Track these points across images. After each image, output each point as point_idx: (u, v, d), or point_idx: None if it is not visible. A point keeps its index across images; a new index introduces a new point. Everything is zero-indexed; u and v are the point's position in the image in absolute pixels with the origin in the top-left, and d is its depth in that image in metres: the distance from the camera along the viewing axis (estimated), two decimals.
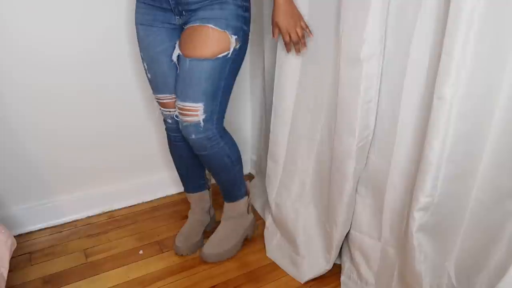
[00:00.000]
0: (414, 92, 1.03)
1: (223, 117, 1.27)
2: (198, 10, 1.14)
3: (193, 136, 1.22)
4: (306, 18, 1.24)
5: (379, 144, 1.17)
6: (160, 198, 1.80)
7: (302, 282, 1.35)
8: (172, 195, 1.83)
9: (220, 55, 1.14)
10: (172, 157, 1.45)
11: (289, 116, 1.40)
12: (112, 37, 1.48)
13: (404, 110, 1.06)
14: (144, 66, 1.29)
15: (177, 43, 1.21)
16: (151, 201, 1.78)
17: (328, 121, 1.28)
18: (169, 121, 1.34)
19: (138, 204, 1.76)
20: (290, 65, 1.33)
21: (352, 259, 1.33)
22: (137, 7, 1.23)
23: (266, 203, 1.62)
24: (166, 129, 1.38)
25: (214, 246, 1.43)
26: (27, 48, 1.36)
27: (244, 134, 1.93)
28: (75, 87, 1.48)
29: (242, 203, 1.46)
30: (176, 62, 1.22)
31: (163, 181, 1.80)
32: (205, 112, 1.19)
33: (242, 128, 1.93)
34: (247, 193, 1.48)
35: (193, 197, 1.51)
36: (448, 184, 0.99)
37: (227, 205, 1.47)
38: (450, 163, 0.96)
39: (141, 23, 1.23)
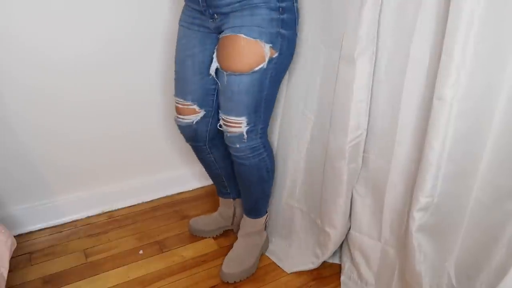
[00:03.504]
0: (414, 92, 1.03)
1: (267, 126, 1.26)
2: (229, 15, 1.08)
3: (237, 145, 1.21)
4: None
5: (379, 144, 1.17)
6: (160, 198, 1.80)
7: (289, 273, 1.39)
8: (172, 195, 1.83)
9: (257, 68, 1.09)
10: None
11: (280, 116, 1.42)
12: (114, 38, 1.48)
13: (404, 109, 1.06)
14: (175, 67, 1.27)
15: (215, 54, 1.16)
16: (151, 201, 1.78)
17: (320, 121, 1.29)
18: (180, 126, 1.31)
19: (138, 204, 1.76)
20: None
21: (352, 259, 1.33)
22: (184, 7, 1.23)
23: None
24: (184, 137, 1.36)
25: (234, 265, 1.35)
26: (28, 48, 1.35)
27: None
28: (76, 88, 1.48)
29: (263, 219, 1.42)
30: (214, 75, 1.19)
31: (163, 181, 1.80)
32: (248, 124, 1.18)
33: None
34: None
35: (220, 199, 1.53)
36: (448, 184, 0.99)
37: (248, 221, 1.41)
38: (450, 163, 0.97)
39: (181, 24, 1.22)
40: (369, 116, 1.17)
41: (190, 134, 1.32)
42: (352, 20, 1.06)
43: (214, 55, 1.16)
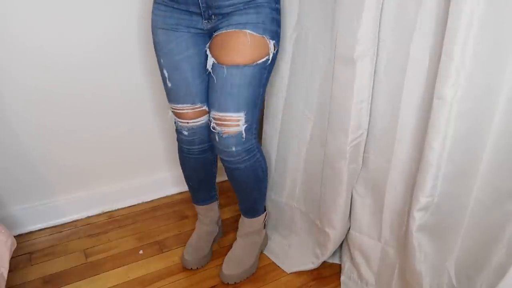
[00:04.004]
0: (414, 92, 1.03)
1: (257, 126, 1.23)
2: (231, 15, 1.09)
3: (233, 149, 1.15)
4: (295, 18, 1.25)
5: (379, 144, 1.17)
6: (160, 198, 1.80)
7: (289, 273, 1.39)
8: (172, 195, 1.83)
9: (260, 61, 1.10)
10: (184, 169, 1.37)
11: (280, 115, 1.42)
12: (116, 38, 1.48)
13: (404, 109, 1.06)
14: (163, 74, 1.19)
15: (208, 51, 1.14)
16: (151, 201, 1.78)
17: (320, 121, 1.29)
18: (185, 133, 1.25)
19: (138, 204, 1.76)
20: (280, 64, 1.34)
21: (352, 259, 1.33)
22: (155, 9, 1.14)
23: None
24: (179, 141, 1.30)
25: (234, 266, 1.34)
26: (29, 47, 1.35)
27: None
28: (76, 88, 1.48)
29: (261, 218, 1.41)
30: (211, 71, 1.14)
31: (163, 181, 1.80)
32: (246, 122, 1.14)
33: None
34: (265, 207, 1.44)
35: (202, 209, 1.45)
36: (448, 184, 0.99)
37: (246, 221, 1.40)
38: (450, 163, 0.97)
39: (162, 27, 1.14)
40: (369, 116, 1.17)
41: (202, 136, 1.26)
42: (350, 20, 1.06)
43: (208, 52, 1.14)
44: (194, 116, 1.22)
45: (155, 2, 1.15)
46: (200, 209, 1.45)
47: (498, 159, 0.94)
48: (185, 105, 1.21)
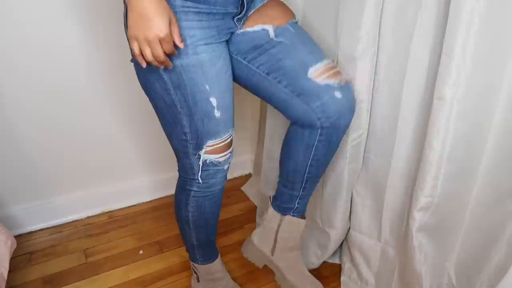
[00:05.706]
0: (414, 92, 1.03)
1: None
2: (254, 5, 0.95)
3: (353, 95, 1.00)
4: (299, 16, 1.24)
5: (379, 144, 1.17)
6: (160, 198, 1.80)
7: None
8: (172, 195, 1.82)
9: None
10: (203, 221, 1.13)
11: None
12: (117, 38, 1.47)
13: (404, 109, 1.06)
14: (207, 106, 0.90)
15: (259, 26, 0.95)
16: (151, 201, 1.78)
17: None
18: (226, 167, 1.02)
19: (138, 204, 1.76)
20: None
21: (352, 259, 1.33)
22: (185, 20, 0.83)
23: (263, 200, 1.62)
24: (212, 186, 1.04)
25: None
26: (32, 45, 1.35)
27: (244, 134, 1.93)
28: (77, 88, 1.48)
29: None
30: (276, 39, 0.95)
31: (163, 181, 1.80)
32: None
33: (242, 126, 1.92)
34: None
35: (220, 265, 1.25)
36: (448, 184, 0.99)
37: (302, 222, 1.17)
38: (450, 163, 0.96)
39: (206, 42, 0.85)
40: (369, 116, 1.17)
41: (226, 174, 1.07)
42: (352, 20, 1.06)
43: (258, 27, 0.95)
44: (231, 144, 1.01)
45: (181, 9, 0.82)
46: (218, 266, 1.24)
47: (498, 158, 0.94)
48: (229, 133, 0.98)
